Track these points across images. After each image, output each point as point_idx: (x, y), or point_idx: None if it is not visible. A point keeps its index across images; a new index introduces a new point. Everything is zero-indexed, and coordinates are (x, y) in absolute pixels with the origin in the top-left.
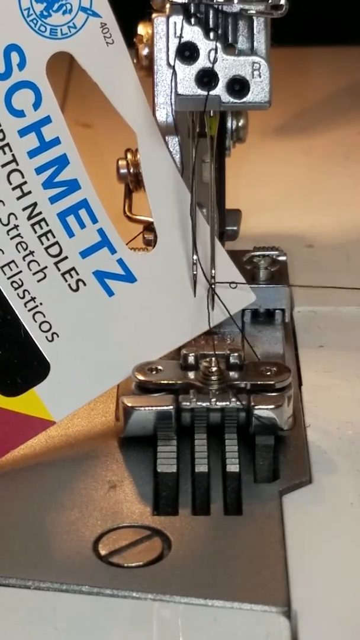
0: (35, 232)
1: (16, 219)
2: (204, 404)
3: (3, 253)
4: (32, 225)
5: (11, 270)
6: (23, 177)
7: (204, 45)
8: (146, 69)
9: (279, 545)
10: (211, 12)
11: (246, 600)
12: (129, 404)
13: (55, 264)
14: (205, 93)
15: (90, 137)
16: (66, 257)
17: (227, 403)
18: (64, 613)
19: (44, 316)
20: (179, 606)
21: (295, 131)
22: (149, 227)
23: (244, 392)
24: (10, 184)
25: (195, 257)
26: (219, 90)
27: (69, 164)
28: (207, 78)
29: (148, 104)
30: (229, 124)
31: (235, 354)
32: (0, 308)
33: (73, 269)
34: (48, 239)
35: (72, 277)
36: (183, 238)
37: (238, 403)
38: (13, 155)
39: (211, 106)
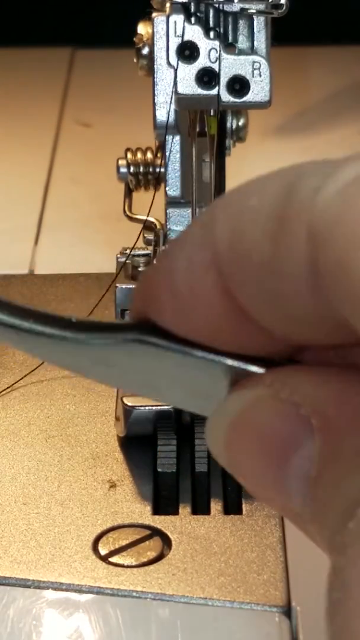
0: None
1: None
2: None
3: None
4: None
5: None
6: None
7: (204, 44)
8: (146, 68)
9: (279, 545)
10: (211, 11)
11: (246, 600)
12: (129, 404)
13: None
14: (205, 92)
15: (90, 137)
16: None
17: None
18: (64, 613)
19: None
20: (179, 606)
21: (295, 131)
22: (149, 226)
23: None
24: None
25: None
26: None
27: None
28: (207, 77)
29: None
30: (229, 124)
31: None
32: None
33: None
34: None
35: None
36: None
37: None
38: None
39: (211, 105)
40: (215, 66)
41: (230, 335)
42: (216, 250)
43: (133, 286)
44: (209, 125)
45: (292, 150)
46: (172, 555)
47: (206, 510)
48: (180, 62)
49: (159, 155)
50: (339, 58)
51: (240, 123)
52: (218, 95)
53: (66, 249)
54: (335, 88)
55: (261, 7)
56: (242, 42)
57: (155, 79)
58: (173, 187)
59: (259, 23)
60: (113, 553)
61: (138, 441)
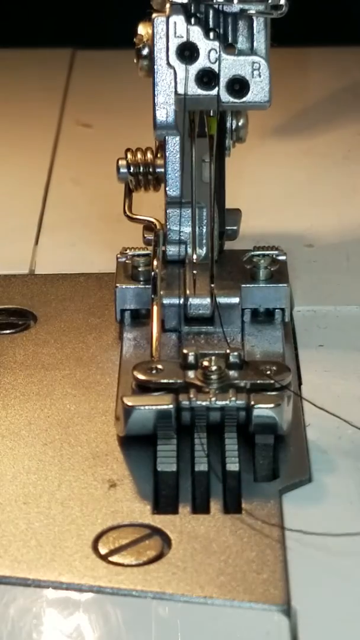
0: None
1: None
2: (204, 403)
3: None
4: None
5: None
6: None
7: (204, 45)
8: (146, 69)
9: (279, 545)
10: (211, 12)
11: (246, 599)
12: (129, 403)
13: None
14: (205, 92)
15: (90, 137)
16: None
17: (227, 402)
18: (64, 612)
19: None
20: (179, 605)
21: (295, 131)
22: (148, 226)
23: (243, 391)
24: None
25: (195, 255)
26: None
27: None
28: (207, 78)
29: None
30: (228, 124)
31: (235, 353)
32: None
33: None
34: None
35: None
36: None
37: (238, 402)
38: None
39: (211, 106)
40: (215, 67)
41: None
42: None
43: (133, 286)
44: (208, 125)
45: (292, 151)
46: (172, 555)
47: (206, 510)
48: (180, 63)
49: (159, 155)
50: (338, 59)
51: (240, 123)
52: (218, 95)
53: (66, 249)
54: (334, 89)
55: (261, 8)
56: (242, 43)
57: (155, 80)
58: (173, 187)
59: (258, 24)
60: (113, 552)
61: (138, 440)
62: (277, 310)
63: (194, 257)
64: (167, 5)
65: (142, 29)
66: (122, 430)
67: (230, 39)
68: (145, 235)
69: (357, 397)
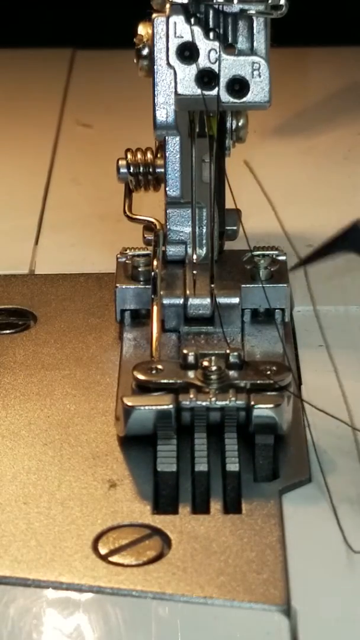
0: None
1: None
2: (204, 403)
3: None
4: None
5: None
6: None
7: (204, 45)
8: (146, 69)
9: (279, 545)
10: (211, 12)
11: (246, 599)
12: (129, 403)
13: None
14: (204, 93)
15: (90, 137)
16: None
17: (227, 402)
18: (64, 612)
19: None
20: (179, 605)
21: (295, 131)
22: (148, 226)
23: (243, 392)
24: None
25: (195, 255)
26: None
27: None
28: (207, 78)
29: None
30: (228, 124)
31: (235, 353)
32: None
33: None
34: None
35: None
36: None
37: (238, 402)
38: None
39: (211, 106)
40: (215, 67)
41: None
42: None
43: (133, 286)
44: (209, 125)
45: (292, 151)
46: (172, 555)
47: (206, 510)
48: (180, 63)
49: (159, 155)
50: (337, 59)
51: (240, 123)
52: (218, 95)
53: (66, 249)
54: (334, 89)
55: (261, 8)
56: (242, 43)
57: (155, 80)
58: (173, 187)
59: (258, 24)
60: (113, 552)
61: (138, 440)
62: (277, 310)
63: (194, 257)
64: (167, 5)
65: (142, 29)
66: (122, 430)
67: (230, 39)
68: (145, 235)
69: (357, 397)
